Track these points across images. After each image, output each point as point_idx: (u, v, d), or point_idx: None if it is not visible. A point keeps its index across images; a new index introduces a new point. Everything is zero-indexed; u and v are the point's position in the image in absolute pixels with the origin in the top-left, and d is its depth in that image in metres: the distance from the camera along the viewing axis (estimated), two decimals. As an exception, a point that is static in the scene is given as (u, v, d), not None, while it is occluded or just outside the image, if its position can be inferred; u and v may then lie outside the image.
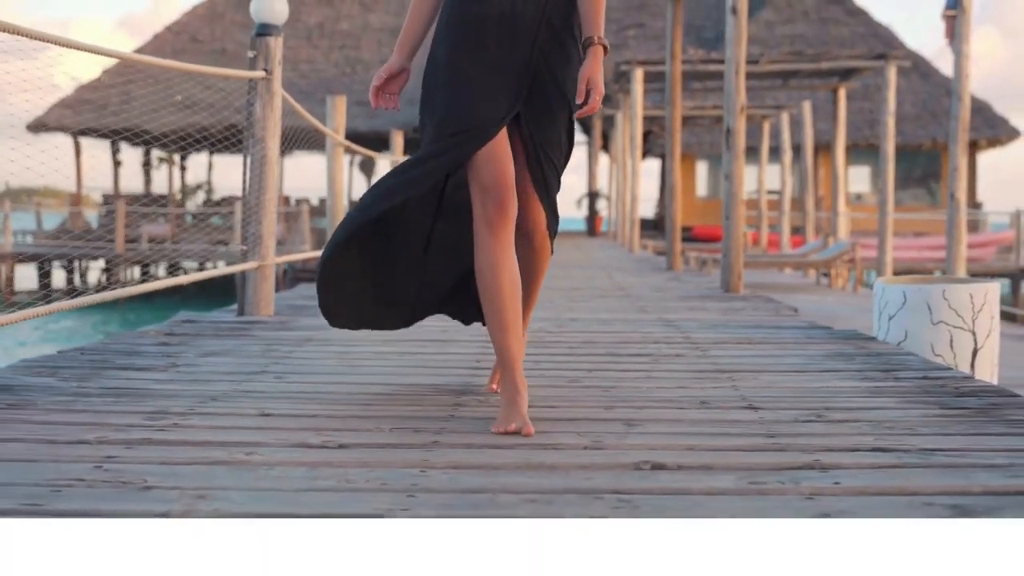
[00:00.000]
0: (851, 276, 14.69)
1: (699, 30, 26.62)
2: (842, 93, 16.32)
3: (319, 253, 7.07)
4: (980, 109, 24.85)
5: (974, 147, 24.78)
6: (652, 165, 28.83)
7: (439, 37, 2.57)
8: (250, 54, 4.87)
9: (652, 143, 25.40)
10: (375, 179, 28.42)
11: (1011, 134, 25.04)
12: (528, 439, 2.31)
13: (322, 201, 22.05)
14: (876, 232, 14.36)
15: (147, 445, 2.23)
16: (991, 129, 24.93)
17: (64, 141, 24.50)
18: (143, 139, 22.92)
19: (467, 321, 2.98)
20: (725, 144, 6.95)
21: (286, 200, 22.58)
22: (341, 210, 7.44)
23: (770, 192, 22.05)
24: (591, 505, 1.80)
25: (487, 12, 2.49)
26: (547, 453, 2.18)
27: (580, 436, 2.34)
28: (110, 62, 22.08)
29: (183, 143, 22.20)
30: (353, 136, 8.15)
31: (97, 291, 3.51)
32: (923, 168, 25.78)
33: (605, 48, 2.45)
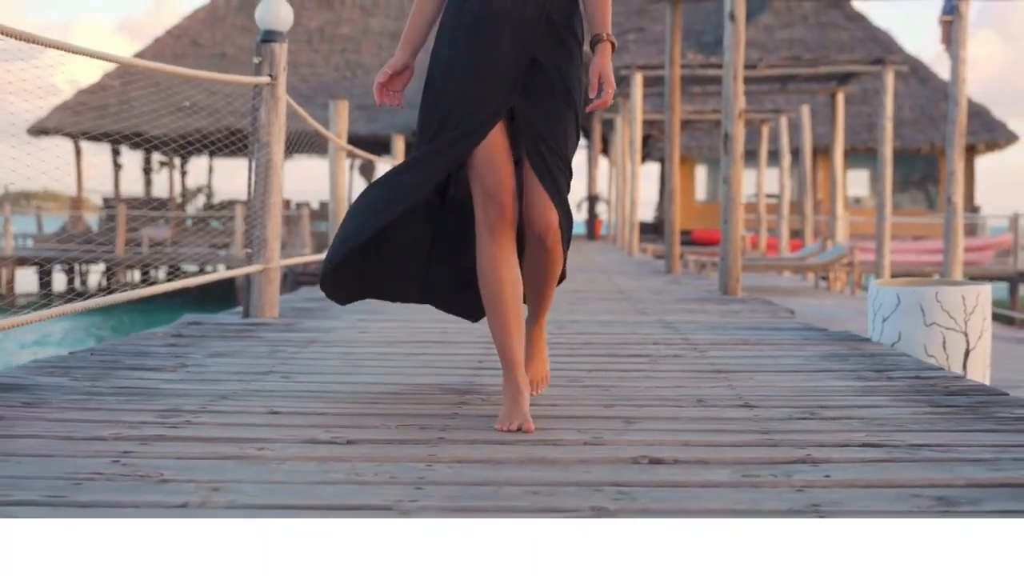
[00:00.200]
0: (849, 279, 14.76)
1: (698, 34, 26.73)
2: (840, 97, 16.40)
3: (320, 256, 7.15)
4: (978, 113, 24.95)
5: (972, 151, 24.89)
6: (651, 169, 28.86)
7: (440, 36, 2.62)
8: (255, 60, 4.95)
9: (651, 147, 25.50)
10: None
11: (1009, 138, 25.15)
12: (530, 435, 2.38)
13: (322, 204, 22.14)
14: (874, 236, 14.44)
15: (161, 441, 2.31)
16: (989, 133, 25.03)
17: (65, 145, 24.57)
18: (144, 143, 23.06)
19: (475, 319, 3.03)
20: (723, 149, 7.03)
21: (286, 204, 22.66)
22: (343, 214, 7.52)
23: (769, 196, 22.13)
24: (591, 497, 1.88)
25: (487, 11, 2.53)
26: (548, 448, 2.26)
27: (580, 432, 2.42)
28: (111, 66, 22.15)
29: (183, 147, 22.30)
30: (353, 140, 8.21)
31: (100, 294, 3.59)
32: (921, 172, 25.89)
33: (613, 44, 2.52)
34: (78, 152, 25.13)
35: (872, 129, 23.60)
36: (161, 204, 23.59)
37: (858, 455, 2.21)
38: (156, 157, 29.07)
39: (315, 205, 22.41)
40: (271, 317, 4.89)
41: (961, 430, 2.47)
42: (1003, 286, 19.43)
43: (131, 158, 28.67)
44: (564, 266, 2.75)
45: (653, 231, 23.37)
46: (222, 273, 5.01)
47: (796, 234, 20.61)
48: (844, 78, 15.87)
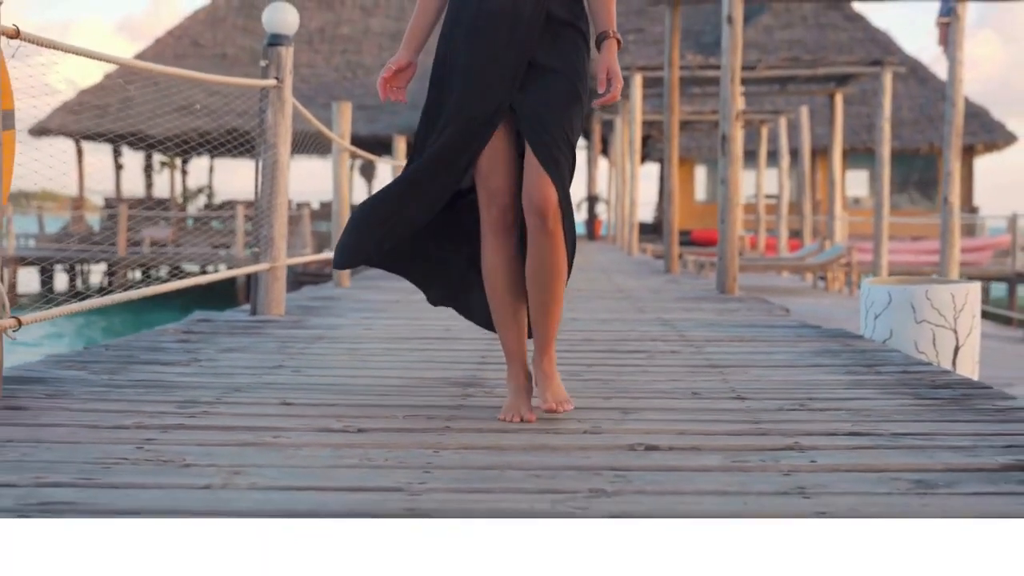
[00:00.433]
0: (848, 280, 14.88)
1: (698, 35, 26.85)
2: (839, 98, 16.53)
3: (320, 256, 7.24)
4: (977, 114, 25.08)
5: (971, 152, 25.02)
6: (651, 169, 28.97)
7: (442, 36, 2.69)
8: (262, 63, 5.06)
9: (651, 147, 25.61)
10: (376, 184, 28.03)
11: (1008, 139, 25.28)
12: (532, 425, 2.50)
13: (323, 205, 22.24)
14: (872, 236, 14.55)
15: (181, 430, 2.42)
16: (988, 134, 25.16)
17: (66, 145, 24.69)
18: (144, 143, 23.17)
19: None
20: (721, 150, 7.15)
21: (287, 204, 22.72)
22: (347, 214, 7.63)
23: (768, 196, 22.25)
24: (590, 480, 2.00)
25: (486, 10, 2.59)
26: (549, 436, 2.38)
27: (580, 422, 2.54)
28: (112, 66, 22.26)
29: (184, 147, 22.43)
30: (354, 140, 8.32)
31: (118, 290, 3.70)
32: (920, 172, 26.01)
33: (619, 41, 2.60)
34: (79, 152, 25.26)
35: (871, 129, 23.71)
36: (162, 204, 23.73)
37: (843, 443, 2.33)
38: (157, 157, 29.20)
39: (315, 205, 22.52)
40: (278, 314, 5.01)
41: (943, 420, 2.59)
42: (1002, 286, 19.56)
43: (132, 159, 28.78)
44: (569, 269, 2.63)
45: (652, 231, 23.50)
46: (231, 271, 5.13)
47: (795, 234, 20.74)
48: (843, 79, 15.99)
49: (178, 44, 29.00)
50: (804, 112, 18.74)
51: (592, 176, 26.20)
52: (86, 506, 1.79)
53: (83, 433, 2.37)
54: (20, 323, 2.77)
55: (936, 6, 9.62)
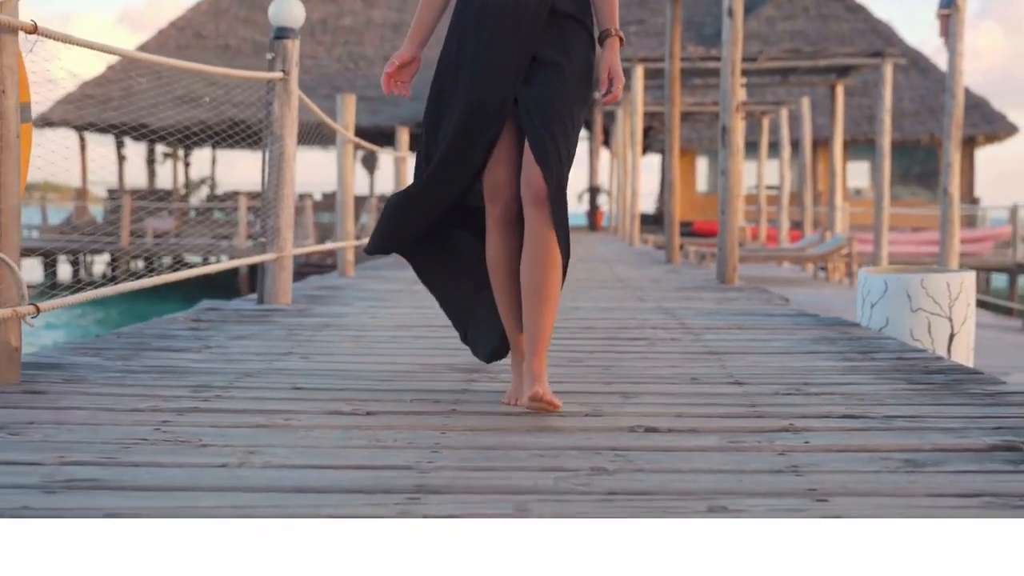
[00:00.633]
0: (848, 270, 14.96)
1: (699, 26, 26.89)
2: (839, 90, 16.59)
3: (325, 247, 7.32)
4: (978, 105, 25.14)
5: (972, 143, 25.08)
6: (653, 160, 29.02)
7: (450, 29, 2.73)
8: (268, 56, 5.14)
9: (652, 139, 25.68)
10: (377, 175, 27.82)
11: (1009, 130, 25.34)
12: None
13: (325, 196, 22.31)
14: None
15: (196, 412, 2.51)
16: (989, 125, 25.22)
17: (69, 136, 24.76)
18: (147, 134, 23.24)
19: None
20: (721, 141, 7.22)
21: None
22: (351, 205, 7.71)
23: (769, 187, 22.32)
24: (592, 459, 2.08)
25: (492, 5, 2.63)
26: (552, 419, 2.46)
27: (582, 406, 2.62)
28: (115, 58, 22.32)
29: (186, 138, 22.49)
30: (356, 131, 8.37)
31: (131, 278, 3.78)
32: (921, 164, 26.07)
33: (621, 39, 2.65)
34: (83, 144, 25.34)
35: (872, 121, 23.73)
36: (165, 195, 23.81)
37: (836, 425, 2.41)
38: (160, 148, 29.28)
39: (318, 196, 22.59)
40: (285, 303, 5.09)
41: (934, 403, 2.67)
42: (1003, 277, 19.62)
43: (135, 150, 28.87)
44: (564, 269, 2.62)
45: (654, 222, 23.56)
46: (240, 260, 5.21)
47: (796, 225, 20.81)
48: (843, 70, 16.06)
49: (181, 35, 29.08)
50: (805, 103, 18.80)
51: (594, 167, 26.26)
52: (110, 483, 1.87)
53: (102, 415, 2.45)
54: (38, 310, 2.85)
55: (939, -3, 9.68)
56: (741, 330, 4.32)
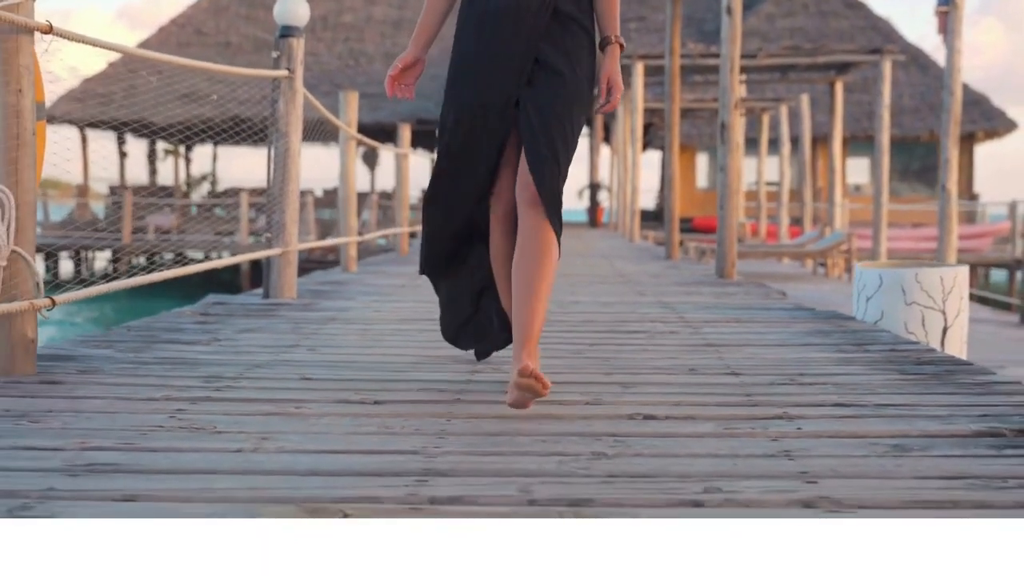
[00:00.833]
0: (848, 266, 15.03)
1: (700, 23, 26.95)
2: (839, 86, 16.65)
3: (327, 243, 7.39)
4: (977, 101, 25.21)
5: (971, 139, 25.15)
6: (653, 157, 29.11)
7: (456, 36, 2.79)
8: (274, 54, 5.22)
9: (653, 135, 25.75)
10: (378, 171, 27.81)
11: (1008, 126, 25.41)
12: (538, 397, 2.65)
13: (326, 192, 22.39)
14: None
15: (208, 401, 2.59)
16: (988, 121, 25.30)
17: (71, 133, 24.82)
18: (149, 130, 23.32)
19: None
20: (720, 138, 7.30)
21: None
22: (353, 202, 7.78)
23: (769, 183, 22.40)
24: (592, 444, 2.16)
25: (493, 7, 2.68)
26: (553, 407, 2.54)
27: (582, 395, 2.70)
28: (115, 54, 22.38)
29: (190, 135, 22.55)
30: (357, 128, 8.43)
31: (141, 272, 3.86)
32: (921, 160, 26.14)
33: (621, 46, 2.70)
34: (84, 140, 25.41)
35: (872, 117, 23.80)
36: (167, 192, 23.90)
37: (829, 412, 2.49)
38: (161, 145, 29.36)
39: (319, 193, 22.66)
40: (290, 297, 5.18)
41: (924, 393, 2.75)
42: (1002, 272, 19.70)
43: (136, 147, 28.96)
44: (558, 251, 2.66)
45: (654, 218, 23.64)
46: (246, 255, 5.29)
47: (795, 221, 20.89)
48: (843, 67, 16.12)
49: (182, 32, 29.14)
50: (805, 100, 18.86)
51: (594, 164, 26.34)
52: (130, 467, 1.95)
53: (118, 404, 2.53)
54: (54, 303, 2.93)
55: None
56: (739, 323, 4.41)
